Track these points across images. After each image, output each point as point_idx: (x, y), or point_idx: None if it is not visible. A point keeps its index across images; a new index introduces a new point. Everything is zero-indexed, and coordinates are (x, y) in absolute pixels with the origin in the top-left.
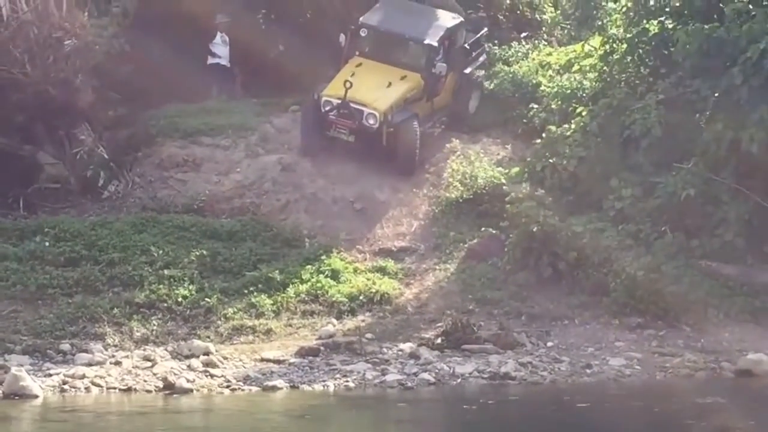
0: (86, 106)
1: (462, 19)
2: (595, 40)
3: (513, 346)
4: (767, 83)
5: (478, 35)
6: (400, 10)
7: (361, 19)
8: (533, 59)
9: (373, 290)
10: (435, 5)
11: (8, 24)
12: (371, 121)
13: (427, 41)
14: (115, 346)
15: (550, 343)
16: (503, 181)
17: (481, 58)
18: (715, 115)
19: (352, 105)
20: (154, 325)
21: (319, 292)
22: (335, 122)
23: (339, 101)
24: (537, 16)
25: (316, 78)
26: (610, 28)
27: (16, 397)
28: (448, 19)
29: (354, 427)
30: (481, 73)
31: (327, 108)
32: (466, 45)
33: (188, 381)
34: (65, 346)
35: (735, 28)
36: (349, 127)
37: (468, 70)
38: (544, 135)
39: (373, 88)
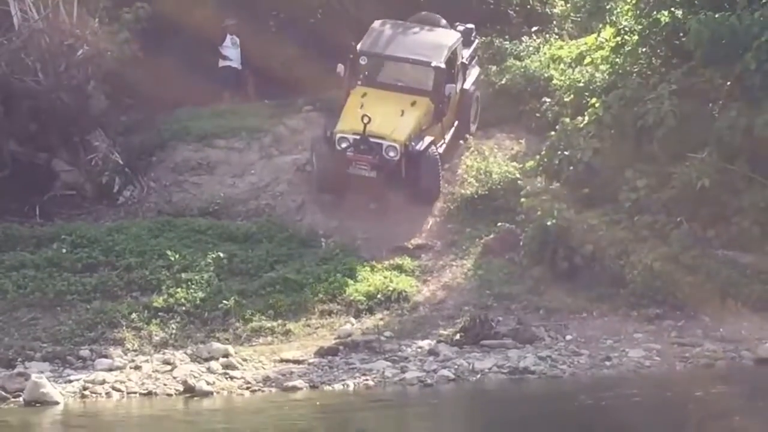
0: (99, 112)
1: (459, 35)
2: (607, 32)
3: (532, 340)
4: None
5: (472, 48)
6: (395, 32)
7: (359, 47)
8: (545, 53)
9: (391, 288)
10: (419, 22)
11: (20, 32)
12: (392, 154)
13: (434, 63)
14: (135, 350)
15: (568, 337)
16: (518, 175)
17: (476, 71)
18: (729, 103)
19: (370, 139)
20: (173, 328)
21: (336, 291)
22: (354, 159)
23: (356, 137)
24: (547, 9)
25: (327, 79)
26: (621, 20)
27: (38, 404)
28: (446, 37)
29: (375, 424)
30: (476, 87)
31: (344, 145)
32: (464, 61)
33: (208, 383)
34: (85, 352)
35: (747, 16)
36: (369, 163)
37: (468, 86)
38: (557, 128)
39: (388, 119)
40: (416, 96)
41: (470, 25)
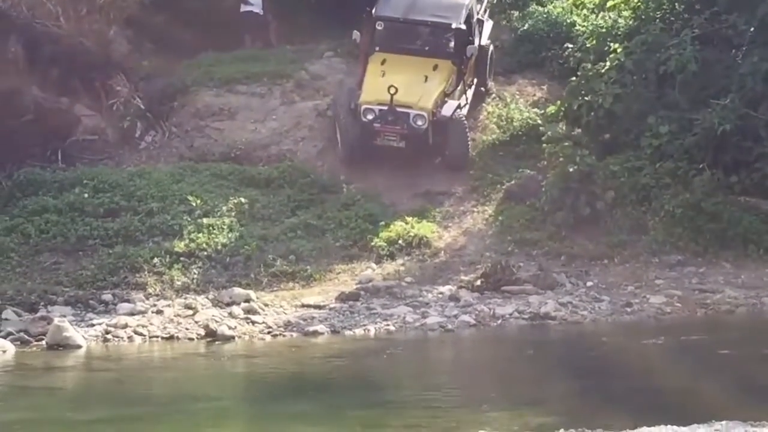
0: (121, 57)
1: None
2: None
3: (552, 286)
4: None
5: (483, 2)
6: None
7: (374, 11)
8: None
9: (412, 234)
10: None
11: None
12: (420, 123)
13: (455, 25)
14: (156, 295)
15: (589, 283)
16: (539, 121)
17: (489, 25)
18: (752, 49)
19: (397, 109)
20: (195, 273)
21: (357, 236)
22: (382, 130)
23: (382, 108)
24: None
25: (349, 25)
26: None
27: (60, 348)
28: None
29: (396, 367)
30: (490, 41)
31: (370, 117)
32: (479, 16)
33: (230, 328)
34: (107, 296)
35: None
36: (398, 133)
37: (484, 42)
38: (578, 73)
39: (413, 86)
40: (437, 59)
41: None
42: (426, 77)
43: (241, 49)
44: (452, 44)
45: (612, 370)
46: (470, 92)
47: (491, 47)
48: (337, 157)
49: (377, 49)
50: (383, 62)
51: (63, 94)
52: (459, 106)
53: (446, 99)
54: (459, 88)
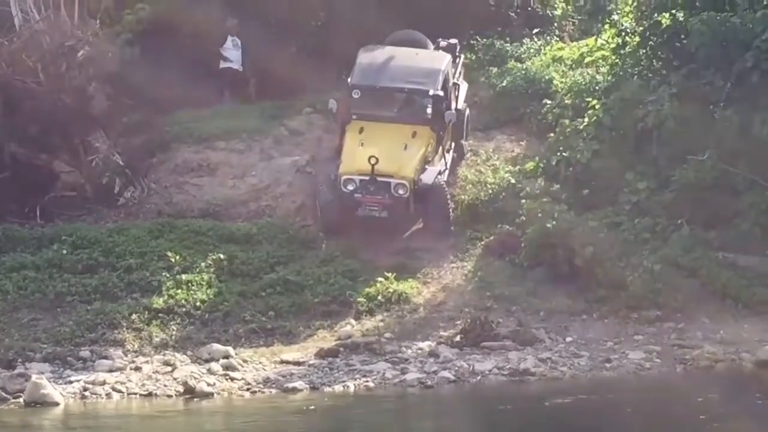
0: (100, 113)
1: (449, 56)
2: (607, 34)
3: (532, 342)
4: None
5: (459, 64)
6: (385, 60)
7: (349, 79)
8: (545, 54)
9: (391, 290)
10: (401, 42)
11: (21, 33)
12: (401, 191)
13: (432, 92)
14: (135, 351)
15: (569, 339)
16: (518, 178)
17: (465, 87)
18: (729, 105)
19: (378, 179)
20: (173, 330)
21: (336, 293)
22: (363, 201)
23: (363, 178)
24: (548, 11)
25: (327, 82)
26: (622, 21)
27: (38, 405)
28: (438, 60)
29: (374, 423)
30: (466, 104)
31: (350, 188)
32: (455, 81)
33: (208, 385)
34: (85, 352)
35: (748, 16)
36: (380, 203)
37: (461, 106)
38: (557, 129)
39: (393, 154)
40: (415, 126)
41: (453, 41)
42: (405, 145)
43: (220, 105)
44: (430, 110)
45: None
46: (449, 156)
47: (467, 110)
48: (316, 227)
49: (354, 117)
50: (361, 131)
51: (42, 151)
52: (439, 172)
53: (426, 166)
54: (438, 153)
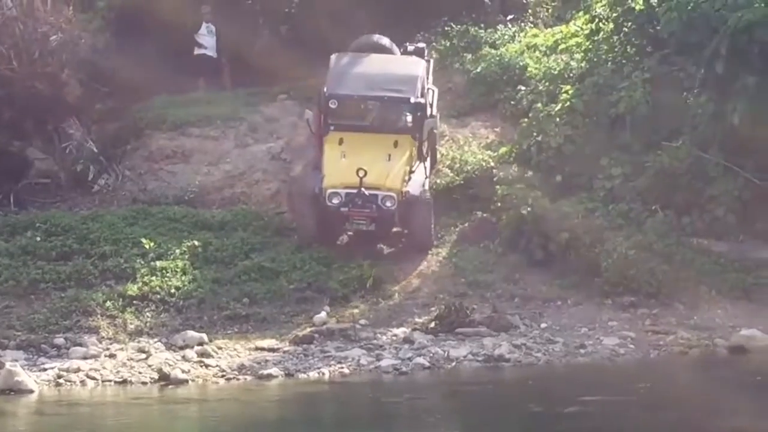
0: (74, 100)
1: (423, 61)
2: (582, 20)
3: (507, 328)
4: (745, 53)
5: (430, 68)
6: (359, 67)
7: (326, 89)
8: (520, 41)
9: (366, 276)
10: (369, 48)
11: None
12: (389, 204)
13: (413, 99)
14: (110, 338)
15: (543, 325)
16: (492, 164)
17: (435, 91)
18: (703, 91)
19: (365, 192)
20: (148, 317)
21: (312, 279)
22: (350, 214)
23: (349, 191)
24: None
25: (302, 68)
26: (596, 7)
27: (12, 393)
28: (413, 66)
29: (349, 409)
30: (437, 109)
31: (336, 202)
32: (429, 86)
33: (183, 372)
34: (59, 340)
35: (719, 2)
36: (368, 216)
37: (435, 111)
38: (530, 114)
39: (377, 166)
40: (396, 135)
41: (421, 44)
42: (389, 155)
43: (194, 92)
44: (410, 119)
45: None
46: (428, 163)
47: (438, 114)
48: (294, 242)
49: (332, 128)
50: (341, 142)
51: (15, 138)
52: (423, 183)
53: (410, 176)
54: (418, 162)
